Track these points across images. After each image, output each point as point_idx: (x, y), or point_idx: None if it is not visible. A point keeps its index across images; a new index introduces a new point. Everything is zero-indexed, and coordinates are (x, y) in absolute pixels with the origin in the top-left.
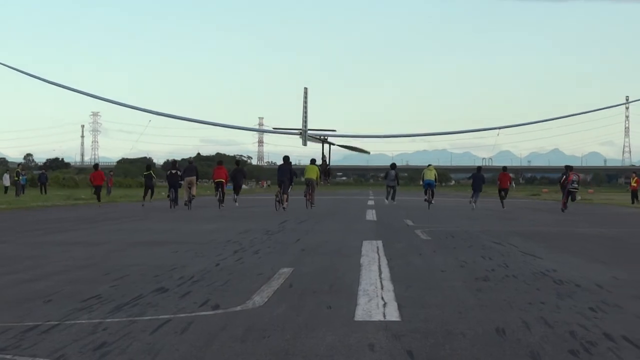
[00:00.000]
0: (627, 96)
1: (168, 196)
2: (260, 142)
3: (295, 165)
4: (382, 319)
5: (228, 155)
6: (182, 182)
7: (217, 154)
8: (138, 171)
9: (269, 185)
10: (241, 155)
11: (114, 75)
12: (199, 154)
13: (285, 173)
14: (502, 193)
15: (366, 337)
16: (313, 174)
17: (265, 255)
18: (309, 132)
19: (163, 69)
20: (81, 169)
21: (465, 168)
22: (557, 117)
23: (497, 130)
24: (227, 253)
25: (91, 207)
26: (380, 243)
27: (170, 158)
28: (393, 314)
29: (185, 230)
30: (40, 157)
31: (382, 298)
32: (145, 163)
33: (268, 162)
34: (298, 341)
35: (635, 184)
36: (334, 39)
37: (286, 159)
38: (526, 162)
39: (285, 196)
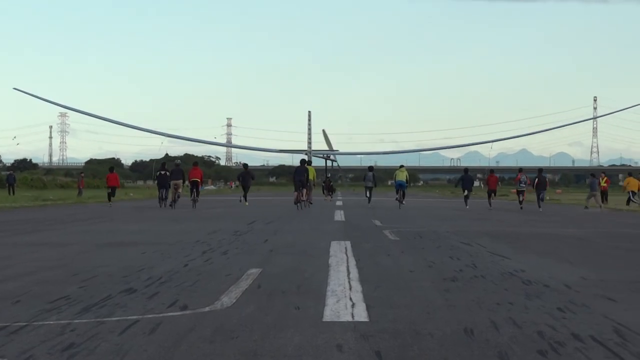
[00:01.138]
0: (595, 96)
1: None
2: (229, 142)
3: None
4: (350, 319)
5: (196, 156)
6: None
7: (185, 154)
8: (106, 171)
9: (237, 186)
10: (209, 156)
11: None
12: (167, 154)
13: (302, 174)
14: (493, 194)
15: (334, 337)
16: (310, 174)
17: (234, 255)
18: (313, 151)
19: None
20: (49, 170)
21: (433, 168)
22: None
23: (490, 144)
24: (195, 254)
25: (59, 208)
26: (348, 243)
27: (138, 158)
28: (361, 315)
29: (154, 231)
30: (7, 158)
31: (351, 299)
32: (113, 163)
33: (236, 162)
34: (266, 342)
35: (605, 184)
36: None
37: (303, 161)
38: (494, 163)
39: (302, 194)
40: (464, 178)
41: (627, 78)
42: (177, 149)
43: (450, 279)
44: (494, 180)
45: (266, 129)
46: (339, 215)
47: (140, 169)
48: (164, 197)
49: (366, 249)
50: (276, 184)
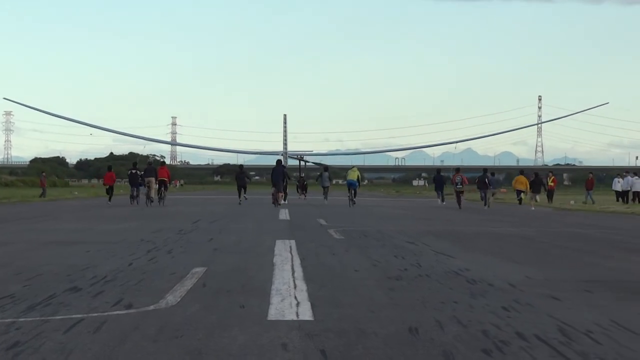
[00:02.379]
0: (540, 95)
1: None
2: (174, 141)
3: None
4: (295, 318)
5: (141, 155)
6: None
7: (130, 153)
8: (51, 171)
9: (182, 185)
10: (154, 155)
11: (26, 74)
12: (111, 153)
13: (279, 175)
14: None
15: (279, 336)
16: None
17: (179, 254)
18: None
19: (73, 68)
20: None
21: (378, 168)
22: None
23: (454, 145)
24: (140, 252)
25: (3, 207)
26: (293, 242)
27: (83, 157)
28: (306, 314)
29: (99, 230)
30: None
31: (295, 297)
32: (58, 162)
33: (181, 161)
34: (211, 340)
35: (552, 184)
36: (236, 36)
37: (279, 162)
38: (439, 162)
39: (280, 194)
40: (436, 178)
41: (571, 77)
42: (123, 148)
43: (394, 278)
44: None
45: (212, 128)
46: (284, 214)
47: (85, 167)
48: (135, 195)
49: (311, 248)
50: (220, 182)
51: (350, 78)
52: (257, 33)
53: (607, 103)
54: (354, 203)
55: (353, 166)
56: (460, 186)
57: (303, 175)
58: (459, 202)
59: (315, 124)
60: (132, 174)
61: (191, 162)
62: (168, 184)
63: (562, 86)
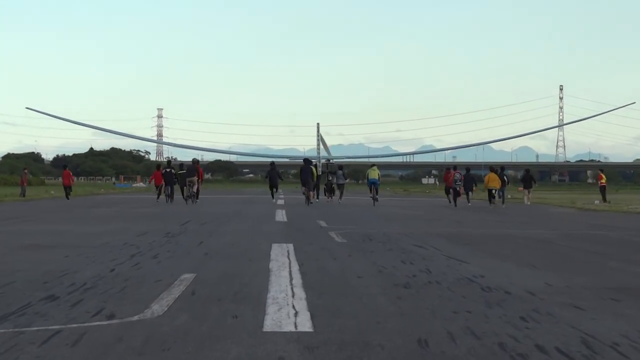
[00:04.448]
0: (561, 85)
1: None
2: (160, 135)
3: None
4: (293, 329)
5: (124, 150)
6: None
7: (112, 148)
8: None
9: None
10: (138, 150)
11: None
12: (91, 148)
13: (308, 173)
14: (451, 190)
15: (276, 349)
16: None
17: (165, 259)
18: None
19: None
20: None
21: (385, 164)
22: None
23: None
24: (123, 257)
25: None
26: (291, 246)
27: (60, 153)
28: (305, 324)
29: (79, 233)
30: None
31: (293, 307)
32: (33, 158)
33: (167, 157)
34: (201, 354)
35: (603, 181)
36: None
37: (307, 161)
38: (451, 158)
39: (311, 193)
40: (466, 177)
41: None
42: (103, 142)
43: (402, 285)
44: (451, 176)
45: (198, 121)
46: (280, 215)
47: (62, 164)
48: (168, 193)
49: (310, 252)
50: (211, 180)
51: (351, 68)
52: (251, 22)
53: (634, 103)
54: (377, 201)
55: (373, 165)
56: (460, 183)
57: (330, 178)
58: (455, 199)
59: (314, 117)
60: (166, 173)
61: (179, 159)
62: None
63: (585, 75)
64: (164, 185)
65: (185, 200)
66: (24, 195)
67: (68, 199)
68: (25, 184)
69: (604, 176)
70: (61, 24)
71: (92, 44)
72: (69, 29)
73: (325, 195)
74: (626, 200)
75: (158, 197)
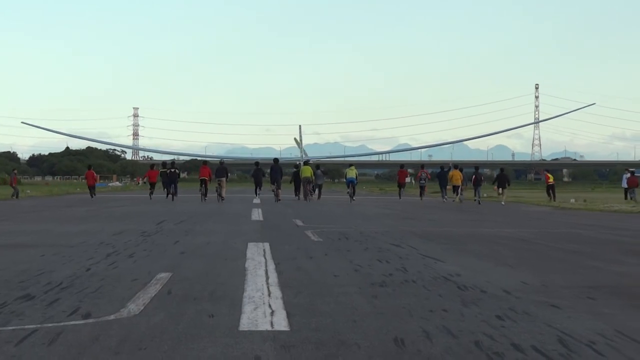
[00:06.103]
0: (537, 84)
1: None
2: (136, 135)
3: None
4: (269, 328)
5: (100, 150)
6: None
7: (88, 147)
8: (0, 167)
9: (144, 182)
10: (114, 149)
11: None
12: (67, 148)
13: (277, 172)
14: (402, 189)
15: (252, 348)
16: (308, 173)
17: (141, 258)
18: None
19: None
20: None
21: (361, 163)
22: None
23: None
24: (99, 257)
25: None
26: (267, 245)
27: (36, 152)
28: (281, 323)
29: (54, 232)
30: None
31: (270, 306)
32: (9, 157)
33: (144, 156)
34: (177, 353)
35: (551, 181)
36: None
37: (276, 160)
38: (426, 157)
39: (279, 191)
40: (439, 175)
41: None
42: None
43: (378, 284)
44: (404, 175)
45: (174, 120)
46: (257, 214)
47: (39, 163)
48: (173, 191)
49: (286, 251)
50: (187, 179)
51: (327, 67)
52: (227, 22)
53: (594, 104)
54: (354, 199)
55: (351, 164)
56: (424, 182)
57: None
58: (421, 195)
59: (290, 116)
60: (171, 173)
61: (155, 158)
62: (209, 183)
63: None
64: (163, 185)
65: (217, 199)
66: (17, 197)
67: (92, 197)
68: (15, 184)
69: (550, 176)
70: (37, 24)
71: (66, 44)
72: (43, 28)
73: (298, 194)
74: (602, 200)
75: (151, 196)
